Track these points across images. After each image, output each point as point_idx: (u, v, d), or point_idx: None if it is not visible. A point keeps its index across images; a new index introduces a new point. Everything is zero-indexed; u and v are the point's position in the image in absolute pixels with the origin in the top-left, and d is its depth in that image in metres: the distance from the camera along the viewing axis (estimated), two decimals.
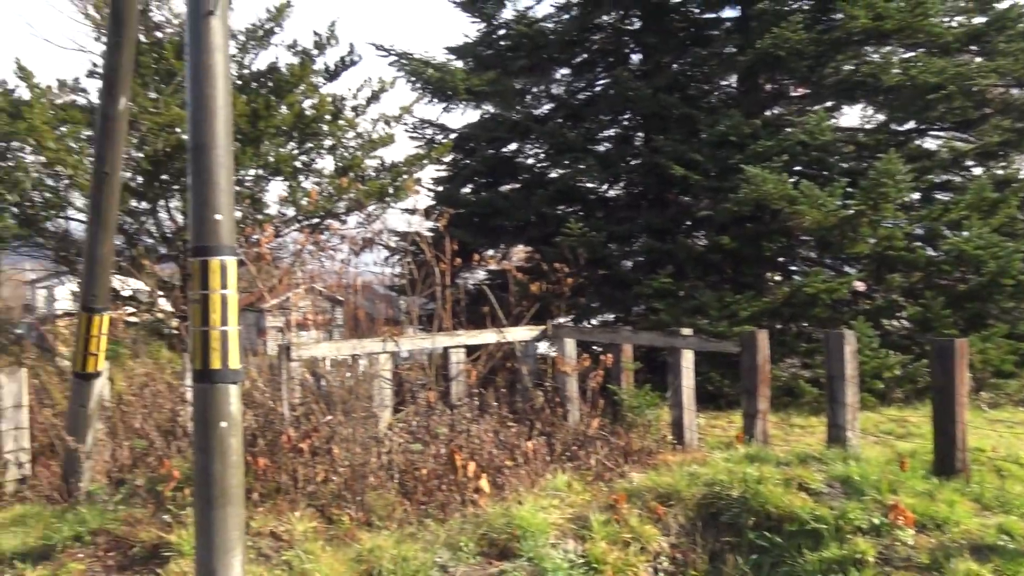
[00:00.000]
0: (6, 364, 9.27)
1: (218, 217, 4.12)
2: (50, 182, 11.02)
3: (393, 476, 5.73)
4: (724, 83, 12.74)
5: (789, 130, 10.91)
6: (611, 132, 13.50)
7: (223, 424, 4.02)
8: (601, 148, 13.03)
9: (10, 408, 7.53)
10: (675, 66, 12.55)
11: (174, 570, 4.53)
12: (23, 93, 10.69)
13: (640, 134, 13.10)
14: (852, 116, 37.16)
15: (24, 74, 10.44)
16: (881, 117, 12.14)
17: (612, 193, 13.27)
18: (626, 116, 13.08)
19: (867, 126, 12.36)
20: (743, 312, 10.07)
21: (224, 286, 4.10)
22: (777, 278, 12.03)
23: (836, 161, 11.22)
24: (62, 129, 10.52)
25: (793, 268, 12.10)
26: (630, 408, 7.32)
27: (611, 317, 12.32)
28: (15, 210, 10.78)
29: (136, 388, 8.27)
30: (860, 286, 11.26)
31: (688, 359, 7.48)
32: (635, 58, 13.29)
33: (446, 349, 7.95)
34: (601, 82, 13.41)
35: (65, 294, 20.25)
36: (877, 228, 10.02)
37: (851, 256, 10.78)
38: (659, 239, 11.28)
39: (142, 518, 5.41)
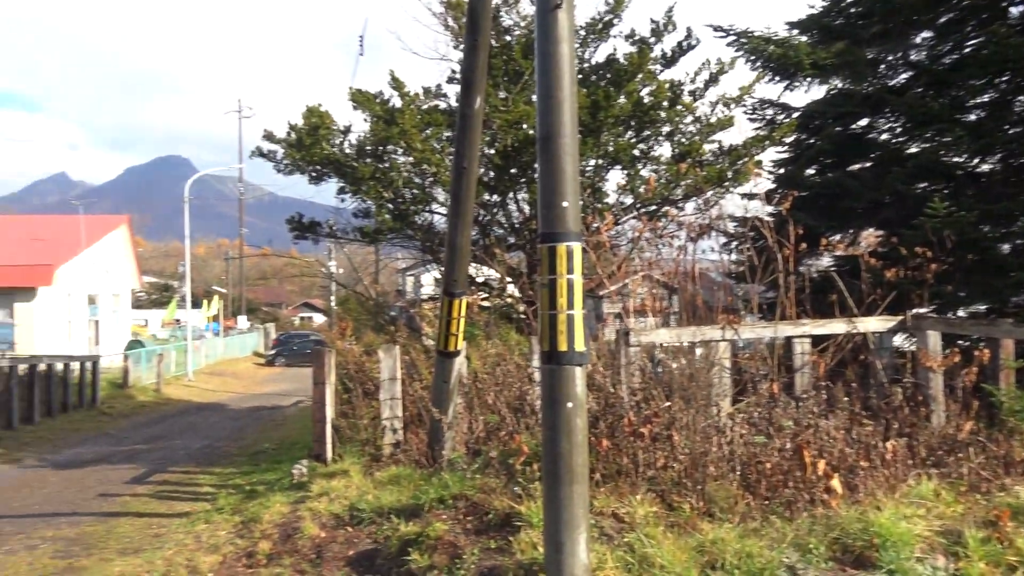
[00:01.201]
0: (382, 342, 10.51)
1: (564, 204, 4.25)
2: (417, 180, 12.31)
3: (735, 468, 5.55)
4: None
5: None
6: (984, 98, 11.84)
7: (569, 404, 4.15)
8: (972, 117, 11.49)
9: (386, 380, 8.53)
10: None
11: (524, 540, 4.78)
12: (396, 101, 12.05)
13: (1022, 98, 11.33)
14: None
15: (396, 84, 11.77)
16: None
17: (986, 167, 11.64)
18: (1004, 78, 11.36)
19: None
20: None
21: (570, 271, 4.22)
22: None
23: None
24: (427, 131, 11.68)
25: None
26: (1011, 412, 6.36)
27: (982, 308, 10.84)
28: (390, 206, 12.20)
29: (489, 367, 8.88)
30: None
31: None
32: (1015, 11, 11.50)
33: (789, 339, 7.52)
34: (972, 42, 11.80)
35: (430, 280, 22.60)
36: None
37: None
38: None
39: (496, 488, 5.82)
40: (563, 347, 4.18)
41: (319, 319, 68.95)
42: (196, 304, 45.53)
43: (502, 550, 4.85)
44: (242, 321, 54.58)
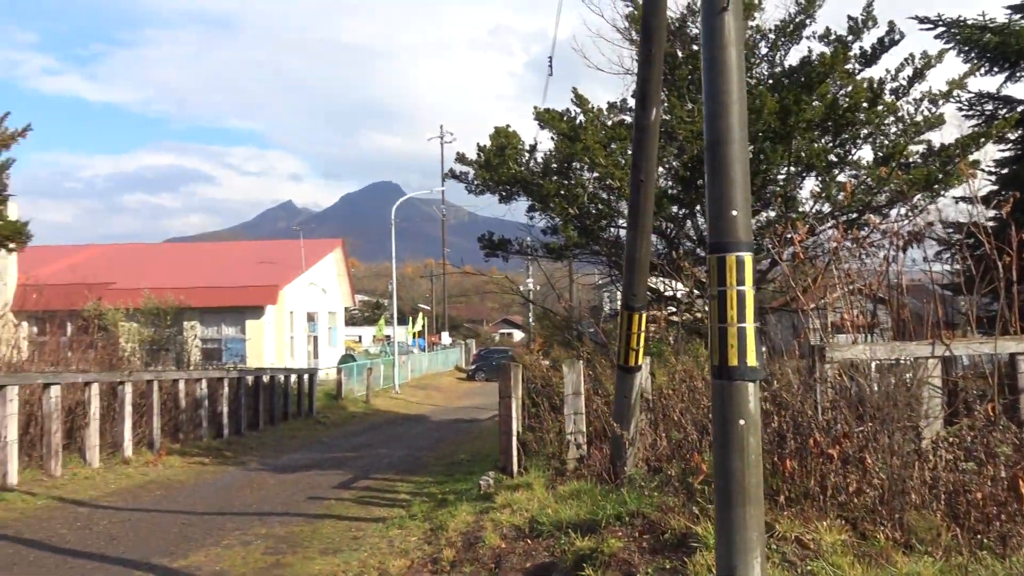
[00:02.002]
0: (569, 357, 10.58)
1: (733, 213, 4.10)
2: (602, 195, 12.32)
3: (939, 496, 5.07)
4: None
5: None
6: None
7: (741, 422, 3.98)
8: None
9: (570, 395, 8.58)
10: None
11: (699, 562, 4.61)
12: (580, 118, 12.15)
13: None
14: None
15: (579, 101, 11.86)
16: None
17: None
18: None
19: None
20: None
21: (740, 282, 4.05)
22: None
23: None
24: (612, 147, 11.67)
25: None
26: None
27: None
28: (576, 222, 12.28)
29: (675, 383, 8.69)
30: None
31: None
32: None
33: (1012, 356, 6.79)
34: None
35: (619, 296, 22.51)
36: None
37: None
38: None
39: (673, 506, 5.67)
40: (734, 362, 4.01)
41: (519, 335, 70.54)
42: (403, 321, 48.08)
43: (676, 571, 4.71)
44: (445, 337, 56.99)
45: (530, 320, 45.55)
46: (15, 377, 10.60)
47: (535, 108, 12.16)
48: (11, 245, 11.27)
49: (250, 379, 18.32)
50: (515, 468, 8.93)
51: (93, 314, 19.15)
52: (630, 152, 11.62)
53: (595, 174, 11.70)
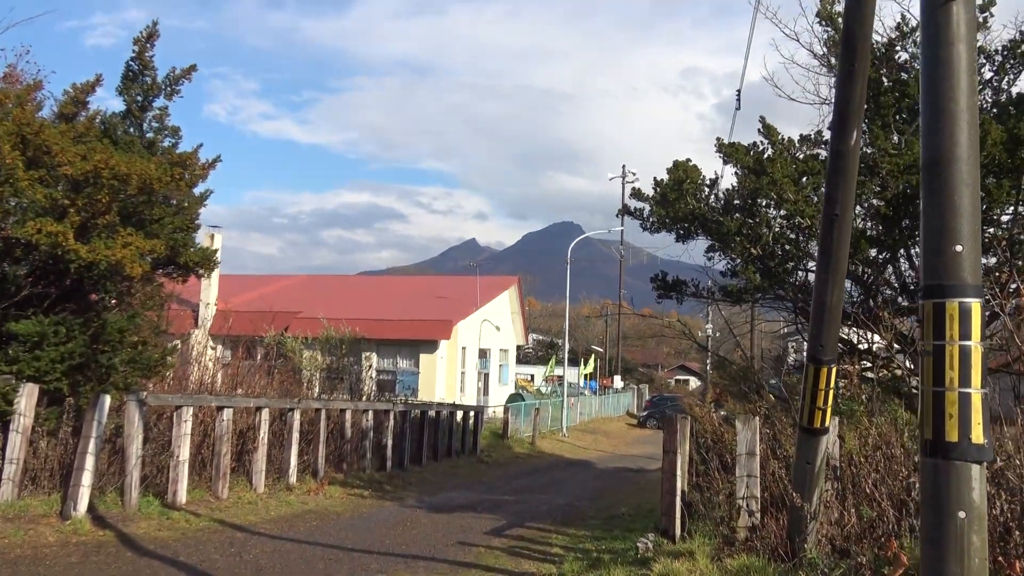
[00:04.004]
0: (743, 412, 9.61)
1: (958, 248, 3.27)
2: (790, 235, 11.27)
3: None
4: None
5: None
6: None
7: (961, 514, 3.11)
8: None
9: (743, 455, 7.67)
10: None
11: None
12: (767, 151, 11.22)
13: None
14: None
15: (767, 131, 10.95)
16: None
17: None
18: None
19: None
20: None
21: (965, 336, 3.21)
22: None
23: None
24: (803, 181, 10.66)
25: None
26: None
27: None
28: (758, 263, 11.28)
29: (869, 449, 7.64)
30: None
31: None
32: None
33: None
34: None
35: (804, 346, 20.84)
36: None
37: None
38: None
39: None
40: (953, 436, 3.17)
41: (694, 383, 68.20)
42: (575, 362, 47.60)
43: None
44: (617, 381, 55.89)
45: (707, 368, 43.76)
46: (190, 398, 10.96)
47: (718, 139, 11.37)
48: (200, 271, 11.75)
49: (416, 413, 18.36)
50: (677, 532, 8.09)
51: (274, 341, 20.00)
52: (823, 188, 10.59)
53: (782, 211, 10.72)
